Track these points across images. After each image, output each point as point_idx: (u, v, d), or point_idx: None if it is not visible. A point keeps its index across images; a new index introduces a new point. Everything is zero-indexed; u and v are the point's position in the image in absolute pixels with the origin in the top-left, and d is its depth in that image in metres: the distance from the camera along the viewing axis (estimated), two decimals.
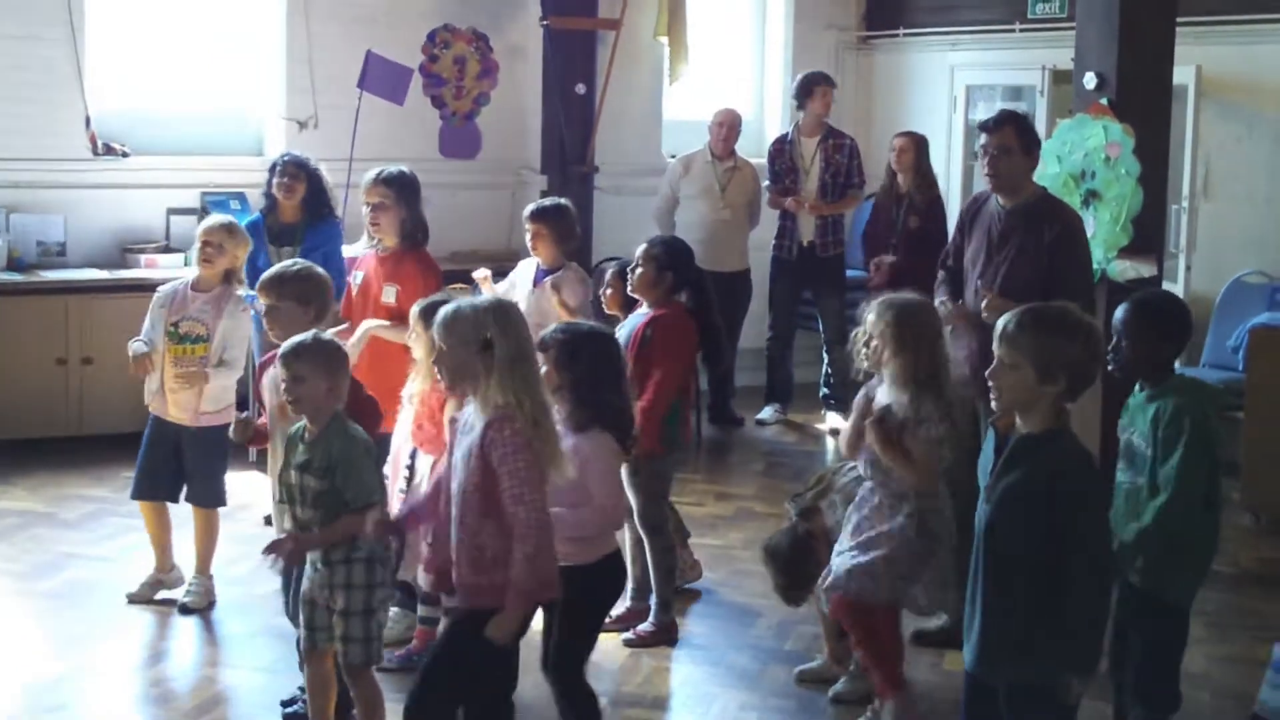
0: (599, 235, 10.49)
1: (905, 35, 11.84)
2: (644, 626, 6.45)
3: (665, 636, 6.43)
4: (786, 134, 10.59)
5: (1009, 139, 6.33)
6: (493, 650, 4.52)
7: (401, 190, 6.82)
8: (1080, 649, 4.07)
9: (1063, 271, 6.24)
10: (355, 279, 6.96)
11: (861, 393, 5.71)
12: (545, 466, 4.52)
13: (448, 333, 4.58)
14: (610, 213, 10.79)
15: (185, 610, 6.63)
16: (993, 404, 4.20)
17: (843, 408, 10.39)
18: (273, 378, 5.41)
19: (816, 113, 10.31)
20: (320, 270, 5.79)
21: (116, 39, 9.82)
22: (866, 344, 5.48)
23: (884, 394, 5.50)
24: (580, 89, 10.70)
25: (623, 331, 6.42)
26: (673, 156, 10.86)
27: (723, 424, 10.41)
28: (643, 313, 6.51)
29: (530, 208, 7.52)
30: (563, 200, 7.63)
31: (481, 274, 7.43)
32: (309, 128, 10.06)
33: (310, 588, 5.03)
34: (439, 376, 4.73)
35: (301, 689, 5.44)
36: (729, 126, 10.32)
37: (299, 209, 8.00)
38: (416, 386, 5.76)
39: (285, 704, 5.58)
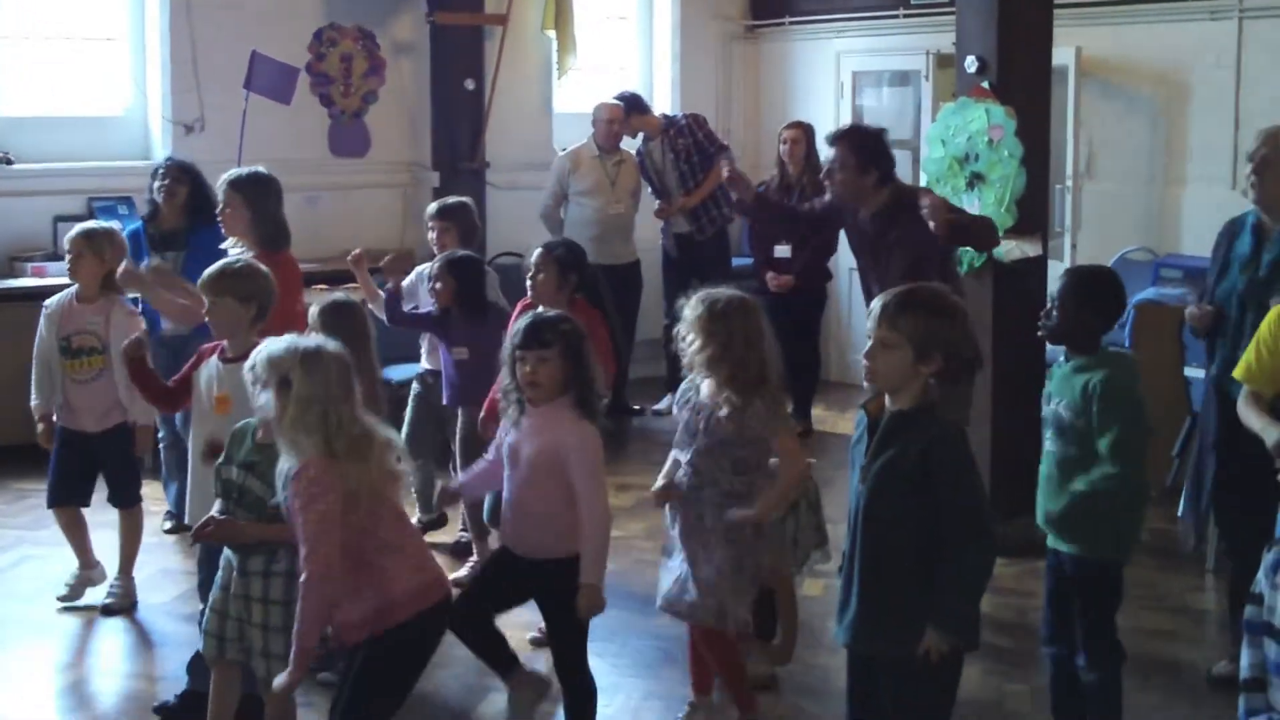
0: (492, 230, 10.49)
1: (791, 23, 11.93)
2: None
3: None
4: (639, 150, 10.66)
5: (843, 154, 6.64)
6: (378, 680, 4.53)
7: (249, 192, 6.72)
8: (957, 616, 4.12)
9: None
10: None
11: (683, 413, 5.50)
12: (370, 498, 4.47)
13: (250, 371, 4.55)
14: (503, 208, 10.79)
15: (108, 611, 6.60)
16: (864, 384, 4.26)
17: None
18: (210, 372, 5.40)
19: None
20: (262, 268, 5.67)
21: None
22: (684, 339, 5.31)
23: (705, 390, 5.31)
24: (469, 85, 10.71)
25: None
26: (564, 150, 10.86)
27: (618, 415, 10.44)
28: None
29: (434, 206, 7.62)
30: (465, 199, 7.74)
31: (354, 255, 7.48)
32: (196, 130, 9.97)
33: (221, 598, 4.97)
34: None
35: (178, 696, 5.43)
36: (617, 121, 10.34)
37: (181, 213, 7.80)
38: None
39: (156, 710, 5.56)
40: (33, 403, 6.73)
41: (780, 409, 5.28)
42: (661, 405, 10.61)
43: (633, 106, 10.49)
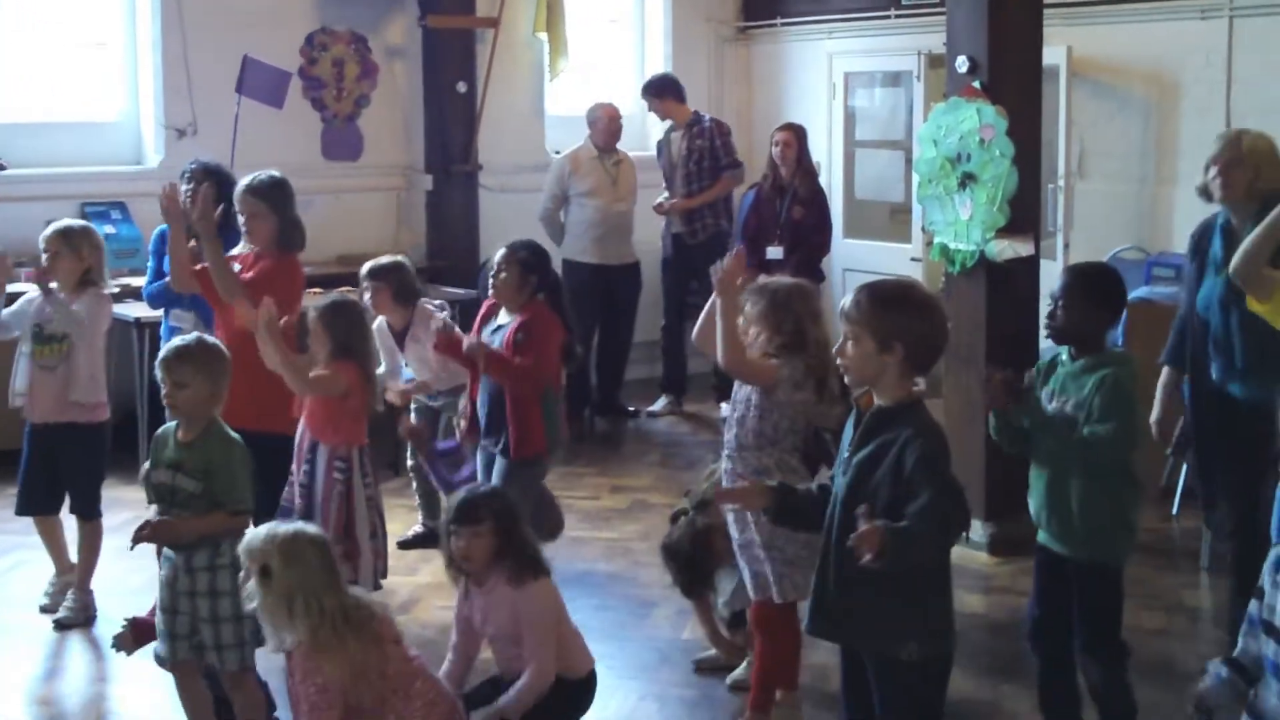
0: (485, 233, 10.53)
1: (783, 25, 11.94)
2: None
3: None
4: (662, 137, 10.67)
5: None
6: None
7: (272, 197, 6.67)
8: (901, 541, 4.04)
9: None
10: None
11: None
12: (354, 686, 4.55)
13: (243, 554, 4.60)
14: (495, 210, 10.81)
15: (60, 626, 6.57)
16: (845, 379, 4.28)
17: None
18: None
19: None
20: (219, 345, 5.45)
21: None
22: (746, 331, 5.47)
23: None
24: (461, 88, 10.72)
25: (495, 339, 6.46)
26: (557, 152, 10.87)
27: (612, 416, 10.45)
28: (506, 320, 6.54)
29: (366, 266, 7.67)
30: (399, 257, 7.83)
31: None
32: (188, 135, 9.96)
33: (169, 596, 5.03)
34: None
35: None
36: (614, 119, 10.36)
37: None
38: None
39: None
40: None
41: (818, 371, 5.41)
42: (656, 407, 10.63)
43: (670, 90, 10.50)
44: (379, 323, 7.51)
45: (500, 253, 6.56)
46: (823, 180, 10.46)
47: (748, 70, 12.35)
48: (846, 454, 4.27)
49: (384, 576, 6.38)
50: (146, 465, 5.21)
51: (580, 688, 5.19)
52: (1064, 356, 5.04)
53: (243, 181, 6.76)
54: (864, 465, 4.18)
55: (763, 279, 5.57)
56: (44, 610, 6.71)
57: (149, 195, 9.38)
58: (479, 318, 6.79)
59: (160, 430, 5.11)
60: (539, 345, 6.47)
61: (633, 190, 10.43)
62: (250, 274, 6.56)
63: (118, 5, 10.07)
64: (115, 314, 8.63)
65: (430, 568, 7.29)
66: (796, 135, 10.03)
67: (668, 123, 10.63)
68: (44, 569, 7.03)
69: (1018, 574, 7.03)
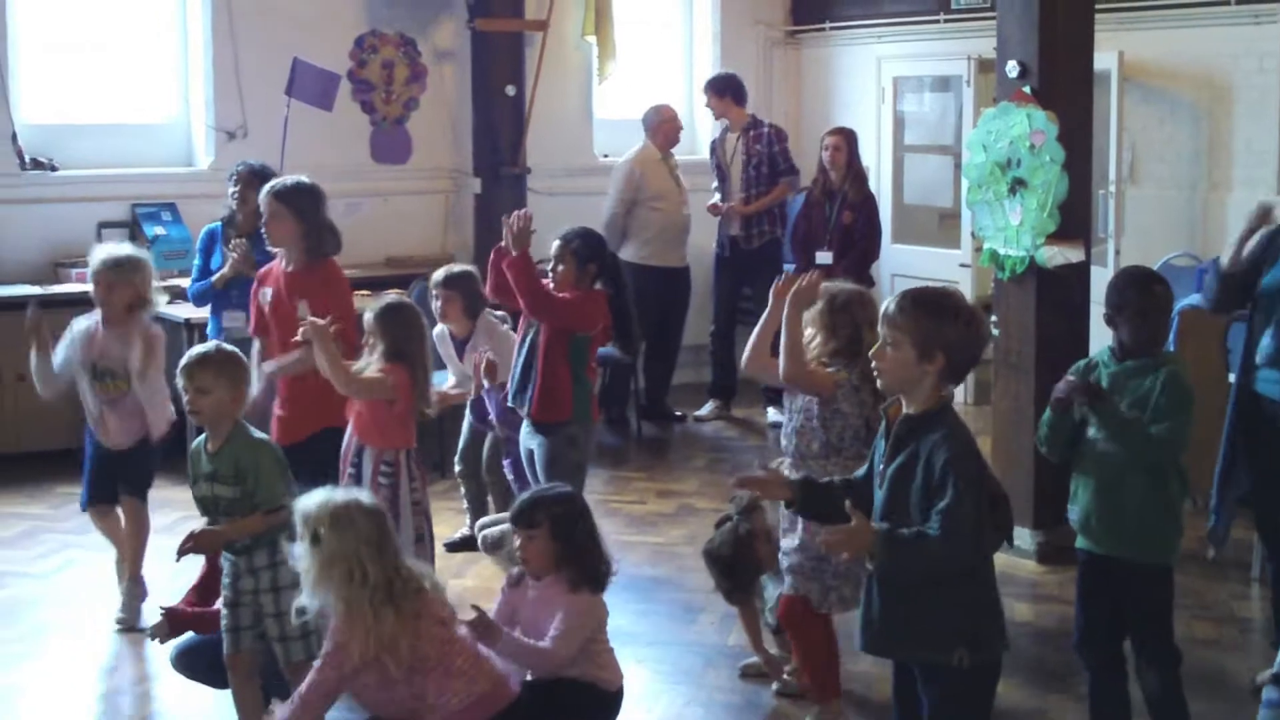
0: (533, 236, 10.48)
1: (831, 29, 11.91)
2: None
3: None
4: (716, 136, 10.67)
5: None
6: None
7: (294, 202, 6.58)
8: (892, 548, 4.06)
9: None
10: (264, 296, 6.69)
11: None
12: (387, 656, 4.57)
13: (298, 518, 4.65)
14: (543, 213, 10.73)
15: (125, 628, 6.59)
16: (878, 384, 4.27)
17: (780, 401, 10.44)
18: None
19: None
20: (239, 355, 5.50)
21: (42, 53, 9.75)
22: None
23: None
24: (510, 90, 10.73)
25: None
26: (605, 156, 10.87)
27: (660, 421, 10.44)
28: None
29: (439, 274, 7.66)
30: (470, 266, 7.80)
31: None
32: (238, 137, 10.02)
33: (232, 593, 5.13)
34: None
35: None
36: (676, 121, 10.39)
37: (256, 216, 7.57)
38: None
39: None
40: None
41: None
42: (704, 412, 10.62)
43: (732, 90, 10.46)
44: (440, 330, 7.52)
45: (554, 245, 6.55)
46: (872, 185, 10.42)
47: (796, 74, 12.32)
48: (880, 466, 4.25)
49: None
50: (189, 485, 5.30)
51: (610, 699, 5.14)
52: (1104, 357, 5.02)
53: (268, 185, 6.73)
54: (898, 476, 4.16)
55: (825, 285, 5.53)
56: (121, 625, 6.61)
57: (199, 197, 9.54)
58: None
59: (193, 446, 5.20)
60: (583, 302, 6.49)
61: (689, 192, 10.44)
62: (300, 286, 6.53)
63: (169, 8, 10.13)
64: (162, 314, 8.73)
65: (476, 570, 7.31)
66: (846, 140, 10.00)
67: (720, 123, 10.59)
68: (94, 569, 7.09)
69: (1066, 582, 6.96)
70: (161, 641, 5.41)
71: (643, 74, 11.86)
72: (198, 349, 5.23)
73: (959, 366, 4.19)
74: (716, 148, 10.56)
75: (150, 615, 6.48)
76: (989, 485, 6.63)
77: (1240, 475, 6.09)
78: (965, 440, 4.17)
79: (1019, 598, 6.86)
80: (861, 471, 4.44)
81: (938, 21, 10.93)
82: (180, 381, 5.15)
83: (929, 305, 4.19)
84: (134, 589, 6.69)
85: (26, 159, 9.43)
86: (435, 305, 7.54)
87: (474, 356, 7.08)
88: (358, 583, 4.53)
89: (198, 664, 5.47)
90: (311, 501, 4.63)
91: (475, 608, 4.82)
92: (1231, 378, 7.49)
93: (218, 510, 5.08)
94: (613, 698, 5.12)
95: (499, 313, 7.65)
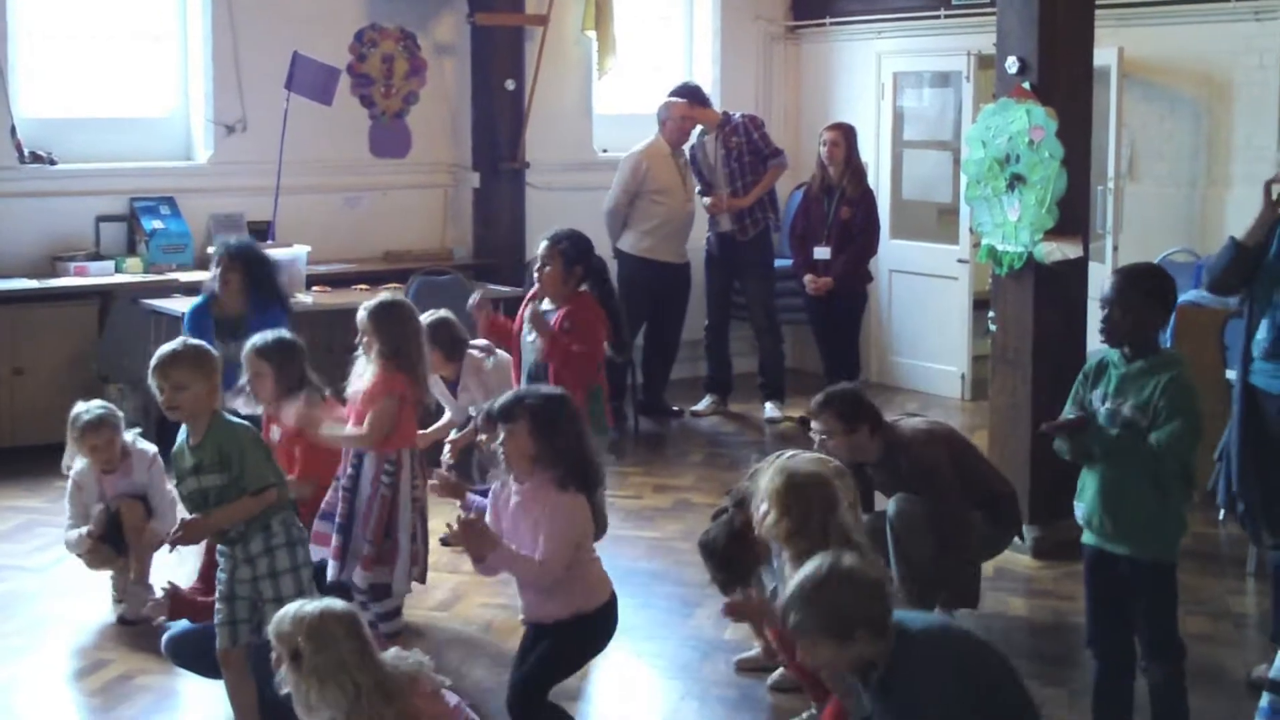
0: (531, 231, 10.52)
1: (832, 24, 11.90)
2: None
3: None
4: (693, 145, 10.61)
5: (830, 423, 6.18)
6: None
7: (272, 358, 6.26)
8: None
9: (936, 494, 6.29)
10: (274, 434, 6.37)
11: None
12: None
13: (272, 632, 4.48)
14: (542, 208, 10.81)
15: (125, 621, 6.59)
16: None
17: (777, 396, 10.47)
18: None
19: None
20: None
21: (41, 46, 9.74)
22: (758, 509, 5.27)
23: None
24: (509, 85, 10.73)
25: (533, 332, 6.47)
26: (604, 151, 10.86)
27: (657, 415, 10.44)
28: (550, 309, 6.53)
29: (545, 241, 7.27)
30: (447, 314, 7.44)
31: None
32: (237, 131, 10.02)
33: (228, 585, 5.12)
34: None
35: None
36: (687, 117, 10.33)
37: (240, 297, 7.61)
38: (358, 384, 6.03)
39: None
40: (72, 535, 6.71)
41: None
42: (700, 406, 10.62)
43: (695, 98, 10.45)
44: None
45: (542, 245, 6.54)
46: (870, 180, 10.42)
47: (796, 69, 12.31)
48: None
49: (422, 580, 6.41)
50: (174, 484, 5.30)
51: (600, 617, 5.16)
52: (1115, 358, 5.03)
53: (251, 341, 6.39)
54: None
55: (785, 463, 5.31)
56: (123, 619, 6.61)
57: (198, 190, 9.54)
58: (522, 307, 6.78)
59: (175, 448, 5.16)
60: (587, 335, 6.48)
61: (694, 189, 10.42)
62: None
63: (169, 2, 10.12)
64: (160, 309, 8.77)
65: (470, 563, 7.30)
66: (845, 135, 9.99)
67: (696, 132, 10.55)
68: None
69: (1061, 578, 7.00)
70: (155, 622, 5.45)
71: (642, 69, 11.85)
72: (166, 347, 5.14)
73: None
74: (698, 154, 10.50)
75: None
76: (994, 484, 6.66)
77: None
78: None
79: (1014, 592, 6.87)
80: None
81: (938, 17, 10.93)
82: (153, 382, 5.07)
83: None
84: (139, 590, 6.66)
85: (25, 152, 9.41)
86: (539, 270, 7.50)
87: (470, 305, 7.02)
88: (351, 694, 4.36)
89: (185, 651, 5.50)
90: (285, 619, 4.42)
91: (467, 521, 4.87)
92: (1229, 374, 7.53)
93: (208, 503, 5.06)
94: (601, 613, 5.14)
95: (480, 343, 7.48)
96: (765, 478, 5.22)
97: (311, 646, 4.35)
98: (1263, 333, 5.86)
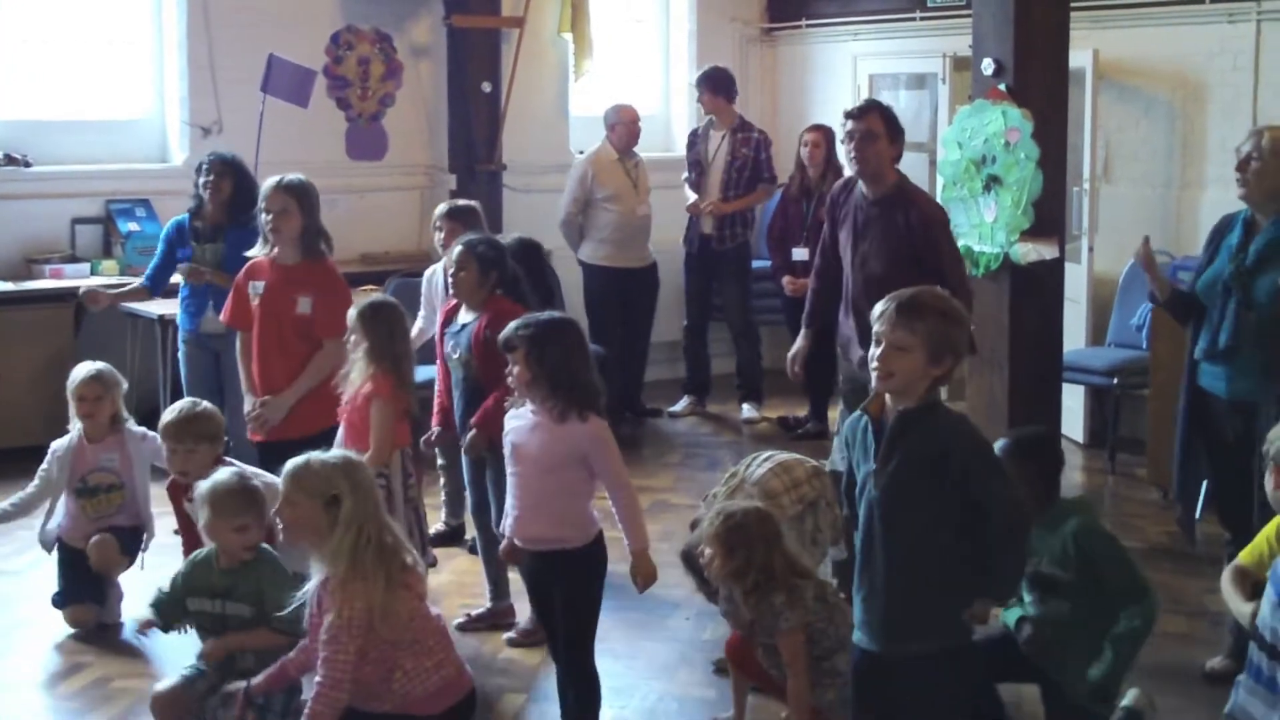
0: (508, 233, 10.44)
1: (808, 26, 11.92)
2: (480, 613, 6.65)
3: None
4: (698, 127, 10.64)
5: (874, 124, 6.53)
6: None
7: (302, 198, 6.67)
8: (1010, 587, 4.39)
9: (937, 259, 6.47)
10: (255, 288, 6.71)
11: None
12: (380, 622, 4.47)
13: (294, 484, 4.52)
14: (518, 210, 10.79)
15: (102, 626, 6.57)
16: (873, 384, 4.22)
17: (754, 399, 10.48)
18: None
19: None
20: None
21: (16, 49, 9.71)
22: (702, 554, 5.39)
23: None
24: (486, 87, 10.72)
25: (461, 338, 6.39)
26: (580, 153, 10.85)
27: (634, 417, 10.44)
28: (469, 319, 6.43)
29: (443, 207, 7.67)
30: (474, 202, 7.85)
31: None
32: (213, 133, 9.99)
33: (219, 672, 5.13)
34: (280, 527, 4.64)
35: None
36: (635, 121, 10.31)
37: (225, 208, 7.85)
38: (349, 380, 6.03)
39: None
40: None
41: (798, 606, 5.23)
42: (678, 408, 10.62)
43: (725, 88, 10.41)
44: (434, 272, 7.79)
45: (458, 250, 6.45)
46: None
47: (773, 71, 12.34)
48: (874, 465, 4.26)
49: (433, 564, 6.58)
50: (162, 591, 5.27)
51: (594, 548, 5.23)
52: None
53: (272, 179, 6.72)
54: (900, 473, 4.19)
55: (724, 506, 5.43)
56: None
57: (174, 193, 9.48)
58: (440, 323, 6.69)
59: (196, 556, 5.16)
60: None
61: (649, 192, 10.37)
62: (303, 282, 6.61)
63: (144, 4, 10.10)
64: (137, 311, 8.75)
65: (452, 565, 7.31)
66: (825, 136, 10.00)
67: (707, 118, 10.57)
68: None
69: None
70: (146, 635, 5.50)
71: (619, 71, 11.86)
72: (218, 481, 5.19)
73: (957, 365, 4.26)
74: (698, 141, 10.51)
75: (129, 611, 6.52)
76: None
77: (1200, 467, 6.23)
78: (973, 430, 4.29)
79: None
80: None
81: (913, 19, 10.95)
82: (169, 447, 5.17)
83: (937, 309, 4.21)
84: (112, 591, 6.67)
85: (0, 155, 9.39)
86: (437, 237, 7.59)
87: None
88: (363, 545, 4.43)
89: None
90: (319, 463, 4.51)
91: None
92: None
93: (223, 629, 5.05)
94: (594, 544, 5.22)
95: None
96: (705, 521, 5.36)
97: (351, 489, 4.43)
98: (1206, 335, 5.98)
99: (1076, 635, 5.02)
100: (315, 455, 4.58)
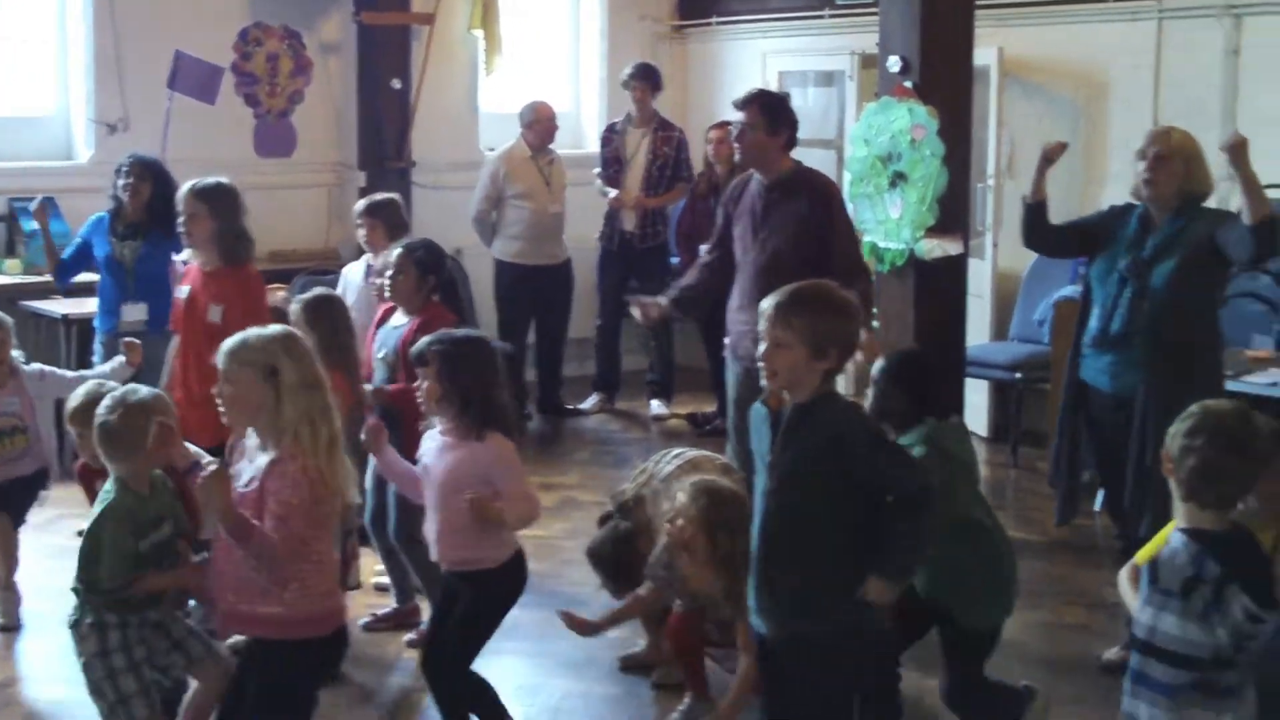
0: (418, 230, 10.40)
1: (718, 24, 11.97)
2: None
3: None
4: (615, 123, 10.65)
5: (752, 116, 6.72)
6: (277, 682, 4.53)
7: (214, 202, 6.64)
8: (902, 569, 4.33)
9: (831, 241, 6.60)
10: (182, 292, 6.80)
11: None
12: (331, 495, 4.41)
13: (231, 359, 4.39)
14: (429, 207, 10.77)
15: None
16: (763, 382, 4.30)
17: (664, 394, 10.51)
18: None
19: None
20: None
21: None
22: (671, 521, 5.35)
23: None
24: (396, 84, 10.70)
25: (390, 340, 6.38)
26: (491, 150, 10.84)
27: (552, 414, 10.44)
28: (402, 322, 6.42)
29: (362, 203, 7.77)
30: (393, 195, 7.94)
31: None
32: (119, 130, 9.89)
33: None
34: (221, 408, 4.49)
35: None
36: (550, 119, 10.30)
37: (144, 209, 7.84)
38: None
39: None
40: None
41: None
42: (587, 405, 10.63)
43: (658, 83, 10.51)
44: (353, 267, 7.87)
45: (396, 254, 6.44)
46: None
47: (683, 68, 12.37)
48: (769, 457, 4.30)
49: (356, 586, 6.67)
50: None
51: (512, 567, 5.22)
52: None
53: (188, 183, 6.72)
54: (797, 463, 4.24)
55: (706, 482, 5.38)
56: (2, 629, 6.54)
57: (79, 191, 9.39)
58: (375, 322, 6.67)
59: (112, 502, 4.82)
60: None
61: (564, 190, 10.38)
62: (216, 290, 6.62)
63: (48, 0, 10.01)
64: (40, 310, 8.68)
65: (362, 565, 7.27)
66: (730, 133, 10.03)
67: (625, 113, 10.58)
68: None
69: None
70: None
71: (529, 68, 11.85)
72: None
73: (846, 357, 4.30)
74: (614, 137, 10.51)
75: (26, 617, 6.47)
76: None
77: (1082, 458, 6.37)
78: (864, 418, 4.40)
79: None
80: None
81: (822, 17, 11.02)
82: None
83: (816, 303, 4.26)
84: (8, 595, 6.59)
85: None
86: (360, 234, 7.67)
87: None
88: (327, 407, 4.37)
89: None
90: (254, 337, 4.38)
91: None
92: None
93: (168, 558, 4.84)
94: (512, 565, 5.22)
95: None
96: (686, 495, 5.28)
97: (290, 360, 4.35)
98: (1094, 322, 6.07)
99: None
100: (253, 330, 4.46)
